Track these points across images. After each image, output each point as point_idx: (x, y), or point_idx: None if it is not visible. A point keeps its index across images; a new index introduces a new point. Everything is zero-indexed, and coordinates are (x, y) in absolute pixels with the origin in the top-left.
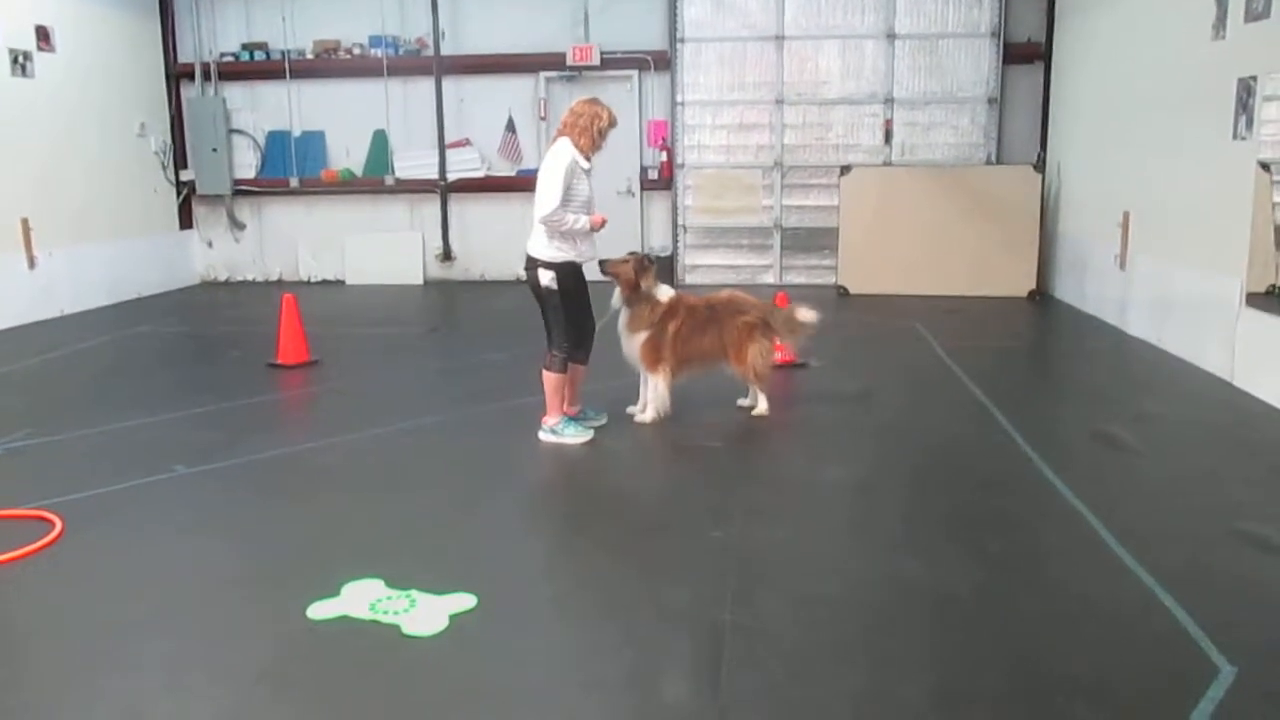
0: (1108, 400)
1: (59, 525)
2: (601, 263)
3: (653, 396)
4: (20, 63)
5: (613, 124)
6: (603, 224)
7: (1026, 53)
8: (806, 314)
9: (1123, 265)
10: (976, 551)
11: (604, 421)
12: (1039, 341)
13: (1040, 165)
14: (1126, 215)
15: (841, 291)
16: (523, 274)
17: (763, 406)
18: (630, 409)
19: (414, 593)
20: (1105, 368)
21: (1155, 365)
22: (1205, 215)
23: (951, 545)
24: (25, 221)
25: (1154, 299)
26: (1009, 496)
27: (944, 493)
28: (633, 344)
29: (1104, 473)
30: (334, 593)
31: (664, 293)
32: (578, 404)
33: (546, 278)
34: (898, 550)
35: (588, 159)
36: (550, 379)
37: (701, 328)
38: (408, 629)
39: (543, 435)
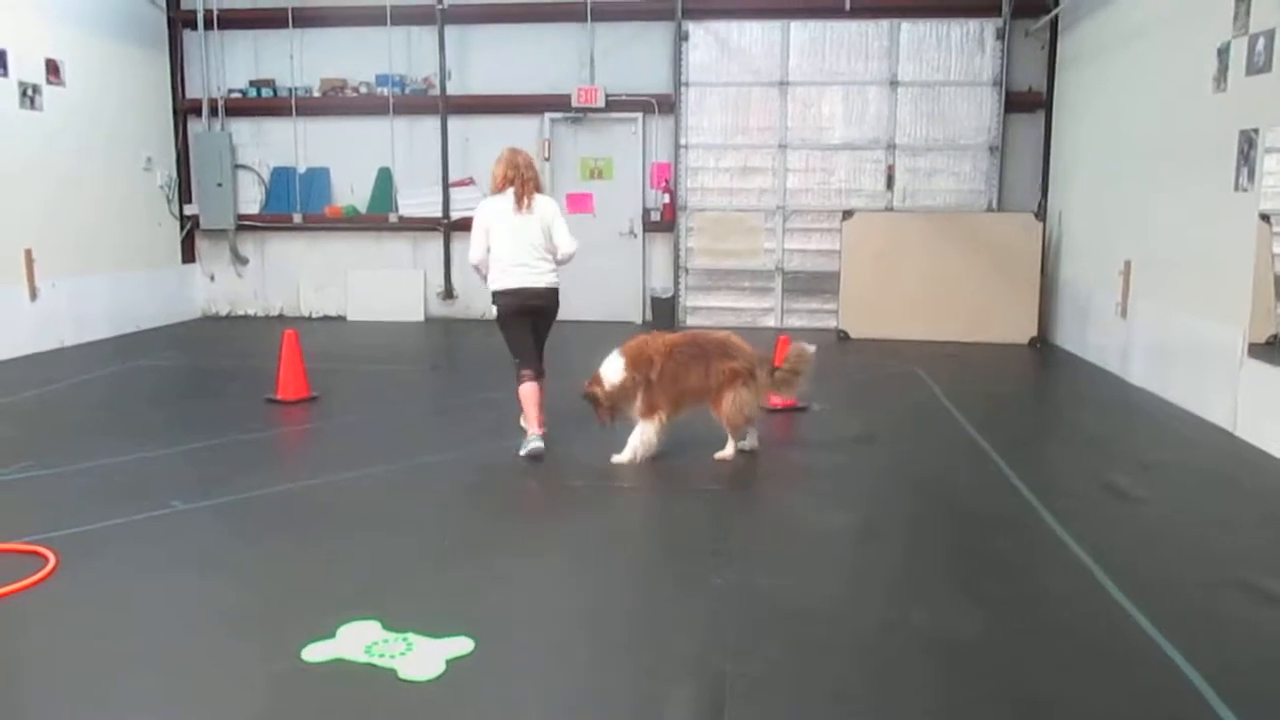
0: (1109, 448)
1: (53, 560)
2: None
3: (636, 438)
4: (29, 95)
5: (504, 162)
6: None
7: (1028, 101)
8: (806, 348)
9: (1124, 314)
10: (979, 598)
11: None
12: (1040, 388)
13: (1041, 213)
14: (1128, 264)
15: (842, 335)
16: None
17: (728, 451)
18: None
19: (411, 635)
20: (1107, 415)
21: (1157, 414)
22: (1207, 266)
23: (954, 591)
24: (29, 252)
25: (1155, 348)
26: (1011, 543)
27: (946, 538)
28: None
29: (1106, 520)
30: (329, 634)
31: (614, 372)
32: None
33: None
34: (900, 597)
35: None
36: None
37: (687, 365)
38: (404, 673)
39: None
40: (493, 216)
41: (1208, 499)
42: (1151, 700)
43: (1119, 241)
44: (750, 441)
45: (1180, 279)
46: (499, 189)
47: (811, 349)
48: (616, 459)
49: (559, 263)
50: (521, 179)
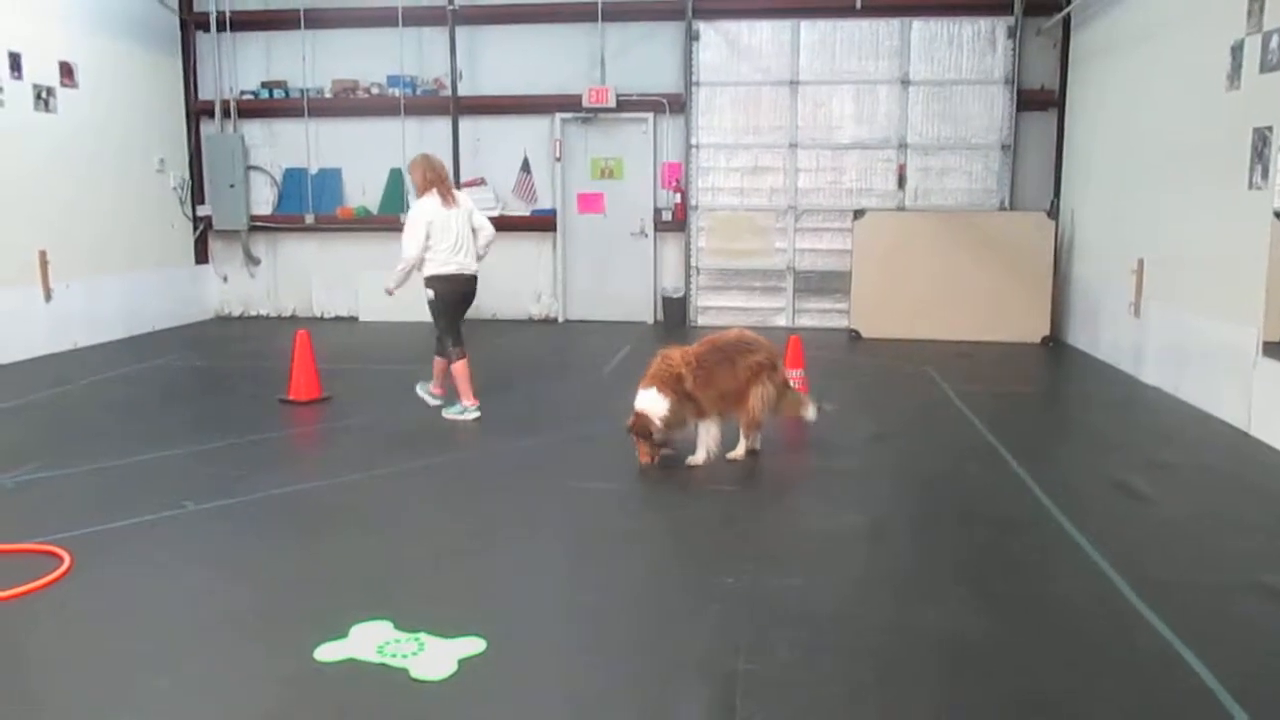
0: (1122, 447)
1: (67, 560)
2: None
3: (705, 436)
4: (44, 98)
5: (422, 167)
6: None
7: (1040, 99)
8: (810, 411)
9: (1137, 313)
10: (991, 599)
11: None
12: (1052, 388)
13: (1054, 211)
14: (1140, 262)
15: (853, 335)
16: (533, 311)
17: (739, 450)
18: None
19: (423, 635)
20: (1120, 415)
21: (1170, 413)
22: (1221, 264)
23: (966, 592)
24: (43, 254)
25: (1169, 347)
26: (1023, 543)
27: (957, 539)
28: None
29: (1119, 521)
30: (342, 634)
31: (658, 404)
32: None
33: None
34: (911, 597)
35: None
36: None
37: (714, 370)
38: (416, 673)
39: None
40: (431, 214)
41: (1221, 499)
42: (1165, 703)
43: (1132, 240)
44: (755, 442)
45: (1194, 278)
46: (424, 191)
47: (812, 414)
48: (692, 460)
49: (481, 253)
50: (440, 179)
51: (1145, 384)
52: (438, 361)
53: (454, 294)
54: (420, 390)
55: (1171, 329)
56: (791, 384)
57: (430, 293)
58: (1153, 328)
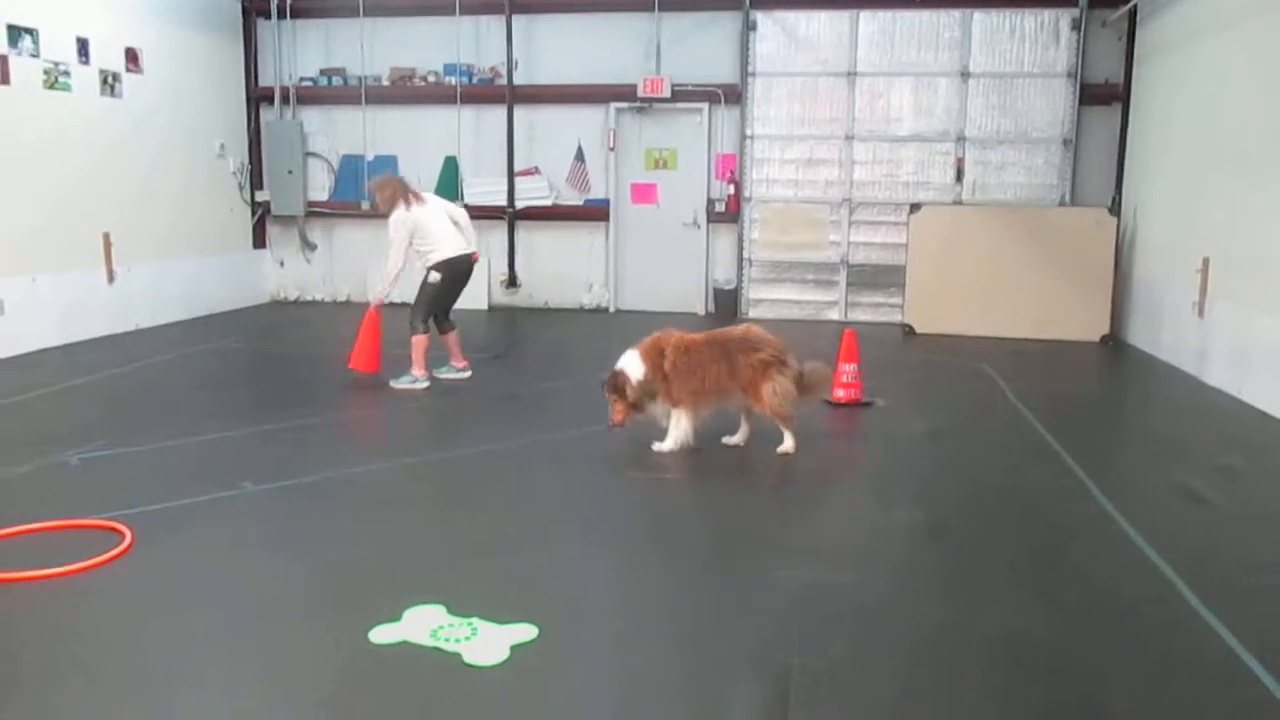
0: (1185, 451)
1: (129, 537)
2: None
3: (674, 428)
4: (109, 83)
5: (387, 186)
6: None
7: (1104, 94)
8: (822, 367)
9: (1201, 313)
10: (1049, 601)
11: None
12: (1112, 387)
13: (1115, 208)
14: (1206, 261)
15: (907, 330)
16: (584, 301)
17: (788, 444)
18: (725, 438)
19: (475, 621)
20: (1182, 417)
21: (1234, 416)
22: None
23: (1023, 593)
24: (107, 236)
25: (1234, 348)
26: (1082, 546)
27: (1015, 539)
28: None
29: (1182, 525)
30: (396, 618)
31: (635, 368)
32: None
33: None
34: (968, 597)
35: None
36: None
37: (704, 363)
38: (468, 658)
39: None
40: (413, 222)
41: None
42: (1230, 711)
43: (1198, 238)
44: (789, 443)
45: (1263, 278)
46: (392, 205)
47: (825, 368)
48: (658, 447)
49: (473, 240)
50: (405, 189)
51: (1208, 385)
52: (451, 338)
53: (455, 273)
54: (445, 373)
55: (1237, 330)
56: (807, 373)
57: (436, 276)
58: (1217, 328)
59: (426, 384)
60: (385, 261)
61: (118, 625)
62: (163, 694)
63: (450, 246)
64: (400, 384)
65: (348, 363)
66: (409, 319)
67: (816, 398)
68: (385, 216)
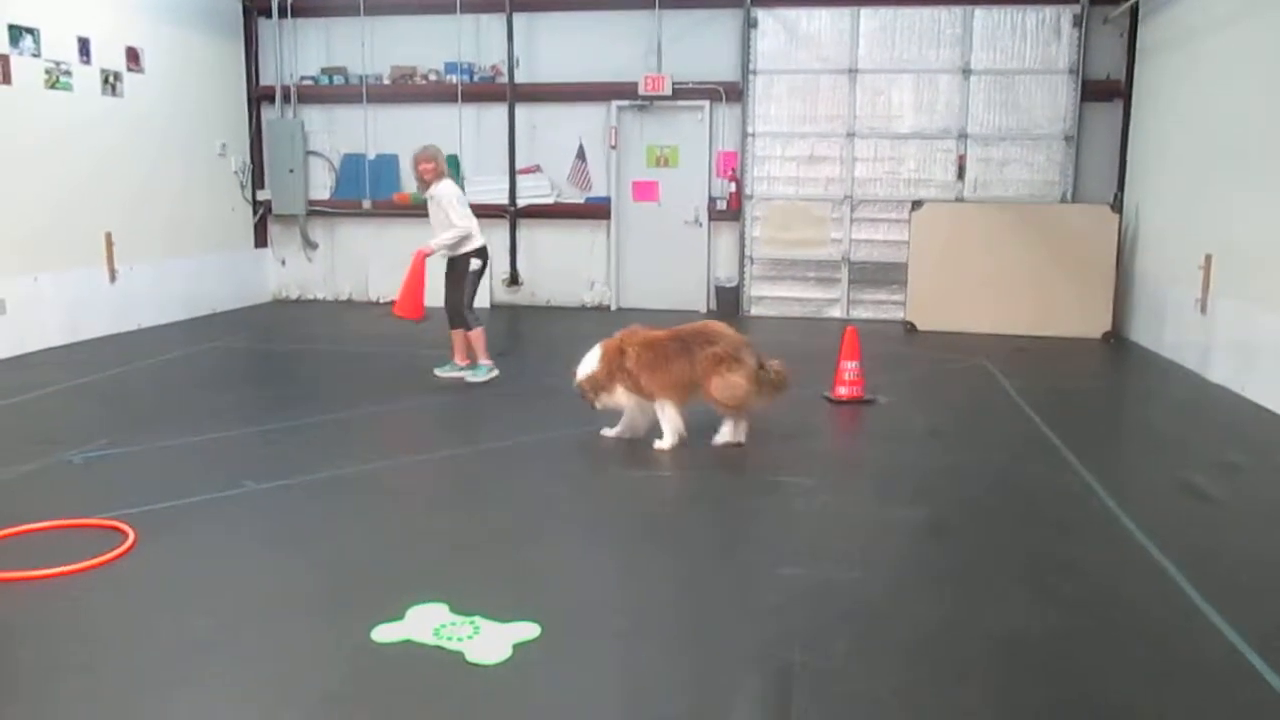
0: (1187, 447)
1: (131, 536)
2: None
3: (665, 423)
4: (110, 83)
5: (414, 157)
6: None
7: (1106, 90)
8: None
9: (1204, 309)
10: (1051, 598)
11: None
12: (1114, 384)
13: (1117, 205)
14: (1208, 258)
15: (909, 327)
16: (586, 299)
17: (739, 436)
18: (714, 439)
19: (478, 619)
20: (1185, 414)
21: (1237, 413)
22: None
23: (1026, 590)
24: (108, 235)
25: (1237, 345)
26: (1084, 542)
27: (1017, 536)
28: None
29: (1184, 522)
30: (398, 616)
31: (589, 364)
32: (462, 359)
33: None
34: (970, 594)
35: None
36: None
37: (669, 357)
38: (471, 656)
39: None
40: (461, 193)
41: None
42: (1234, 709)
43: (1201, 235)
44: (739, 435)
45: (1266, 274)
46: (438, 177)
47: (778, 364)
48: (659, 445)
49: None
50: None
51: (1211, 382)
52: (459, 335)
53: (486, 261)
54: (447, 371)
55: (1240, 326)
56: (768, 371)
57: (477, 263)
58: (1220, 325)
59: (496, 371)
60: (449, 227)
61: (120, 624)
62: (165, 693)
63: (479, 235)
64: (478, 377)
65: (393, 309)
66: (459, 316)
67: (777, 395)
68: (425, 187)
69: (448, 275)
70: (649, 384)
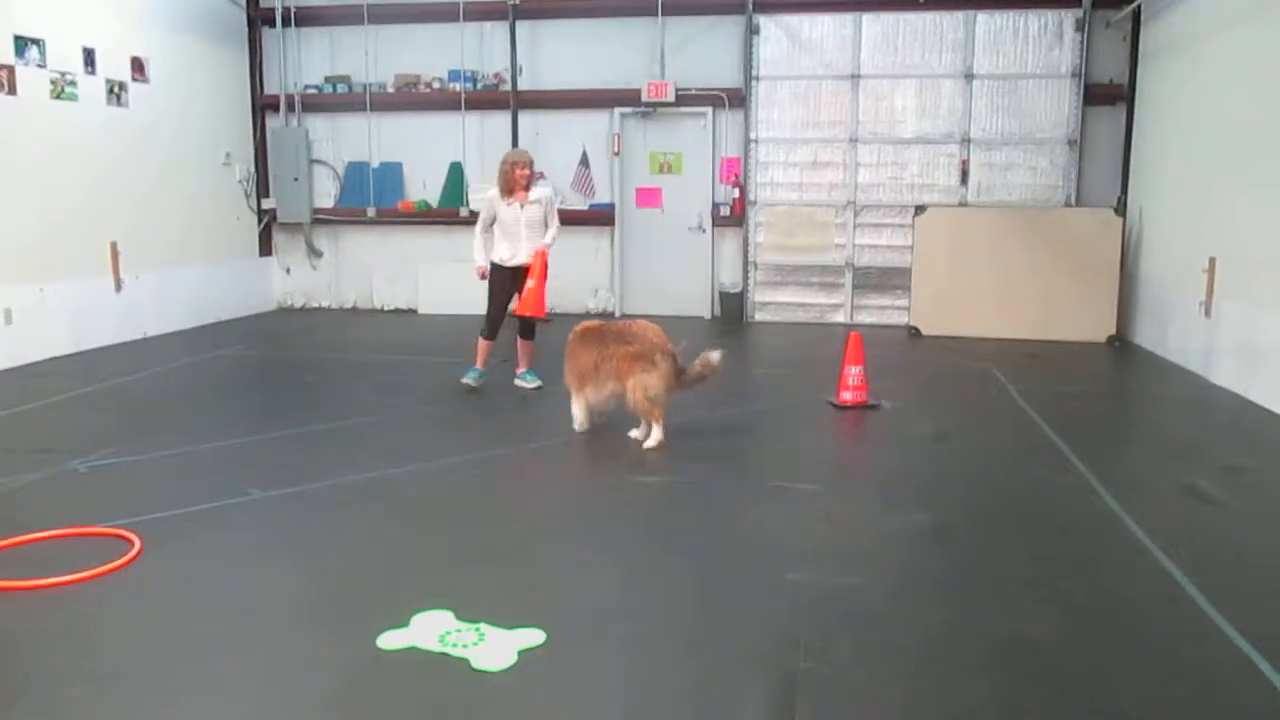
0: (1192, 450)
1: (137, 544)
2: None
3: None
4: (115, 93)
5: (514, 162)
6: (480, 273)
7: (1108, 94)
8: (713, 356)
9: (1208, 313)
10: (1056, 602)
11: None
12: (1118, 388)
13: (1121, 208)
14: (1212, 261)
15: (913, 332)
16: (590, 305)
17: (653, 440)
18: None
19: (483, 626)
20: (1189, 417)
21: (1241, 416)
22: None
23: (1030, 595)
24: (114, 245)
25: (1241, 348)
26: (1089, 546)
27: (1022, 540)
28: None
29: (1189, 525)
30: (403, 623)
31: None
32: (521, 365)
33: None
34: (975, 598)
35: (507, 197)
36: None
37: (588, 350)
38: (476, 663)
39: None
40: None
41: None
42: (1240, 712)
43: (1203, 238)
44: (649, 438)
45: (1271, 277)
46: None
47: (718, 356)
48: (634, 433)
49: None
50: None
51: (1215, 385)
52: (529, 345)
53: (495, 275)
54: (529, 381)
55: (1245, 329)
56: (688, 377)
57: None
58: (1224, 328)
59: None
60: (547, 228)
61: (126, 632)
62: (171, 700)
63: (499, 249)
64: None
65: (517, 310)
66: (530, 326)
67: (703, 385)
68: (524, 192)
69: (508, 286)
70: (567, 373)
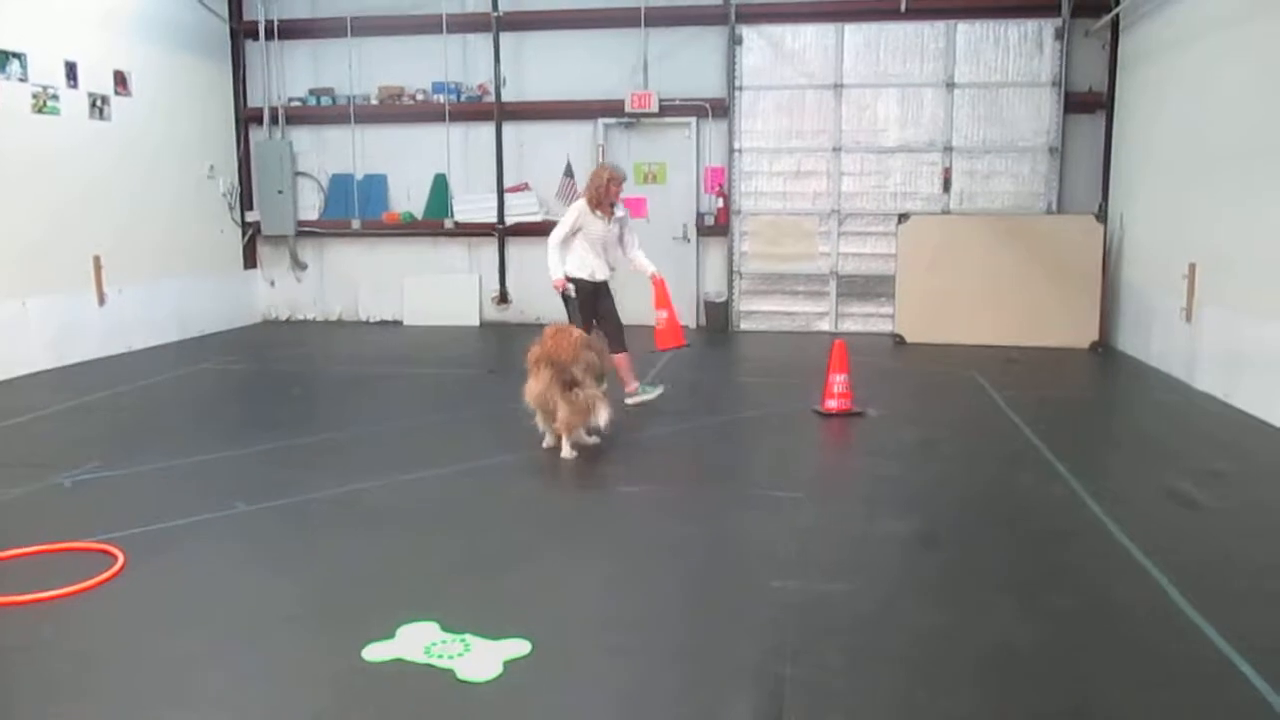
0: (1175, 455)
1: (121, 559)
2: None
3: None
4: (98, 106)
5: (612, 178)
6: (560, 287)
7: (1088, 102)
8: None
9: (1189, 318)
10: (1040, 607)
11: (654, 393)
12: (1102, 394)
13: (1102, 215)
14: (1192, 267)
15: (898, 340)
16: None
17: (548, 441)
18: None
19: (469, 637)
20: (1172, 422)
21: (1223, 420)
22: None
23: (1015, 601)
24: (97, 259)
25: (1223, 353)
26: (1073, 551)
27: (1006, 546)
28: None
29: (1172, 530)
30: (389, 635)
31: None
32: (632, 383)
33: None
34: (960, 605)
35: (595, 212)
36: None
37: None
38: (462, 674)
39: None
40: None
41: (1277, 508)
42: (1223, 716)
43: (1183, 244)
44: (560, 445)
45: (1250, 282)
46: None
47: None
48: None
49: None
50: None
51: (1197, 390)
52: (625, 358)
53: (586, 292)
54: (641, 395)
55: (1225, 334)
56: (584, 391)
57: (569, 285)
58: (1205, 333)
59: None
60: (632, 248)
61: (111, 647)
62: (157, 713)
63: (587, 267)
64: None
65: (660, 345)
66: (620, 341)
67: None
68: (610, 209)
69: (591, 303)
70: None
